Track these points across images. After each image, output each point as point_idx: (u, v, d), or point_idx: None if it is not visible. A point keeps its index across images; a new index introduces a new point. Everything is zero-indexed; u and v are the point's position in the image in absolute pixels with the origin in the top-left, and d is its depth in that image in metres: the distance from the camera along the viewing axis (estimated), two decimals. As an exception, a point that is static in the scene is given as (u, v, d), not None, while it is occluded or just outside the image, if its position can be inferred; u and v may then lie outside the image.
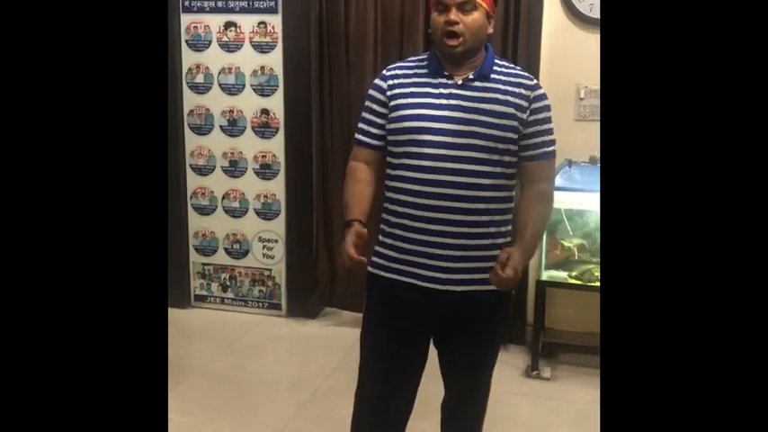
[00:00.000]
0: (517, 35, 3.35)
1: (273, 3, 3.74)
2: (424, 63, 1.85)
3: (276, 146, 3.88)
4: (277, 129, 3.85)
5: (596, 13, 3.30)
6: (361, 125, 1.92)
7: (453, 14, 1.73)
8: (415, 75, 1.84)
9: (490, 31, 1.81)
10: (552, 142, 1.85)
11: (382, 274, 1.87)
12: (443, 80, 1.80)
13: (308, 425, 2.84)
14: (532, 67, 3.36)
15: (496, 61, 1.84)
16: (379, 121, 1.87)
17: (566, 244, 3.38)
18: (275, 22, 3.76)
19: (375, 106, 1.88)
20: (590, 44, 3.32)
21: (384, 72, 1.91)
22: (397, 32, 3.54)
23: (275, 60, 3.79)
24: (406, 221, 1.81)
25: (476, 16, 1.75)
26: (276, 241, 3.98)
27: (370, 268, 1.89)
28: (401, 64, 1.91)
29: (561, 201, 3.30)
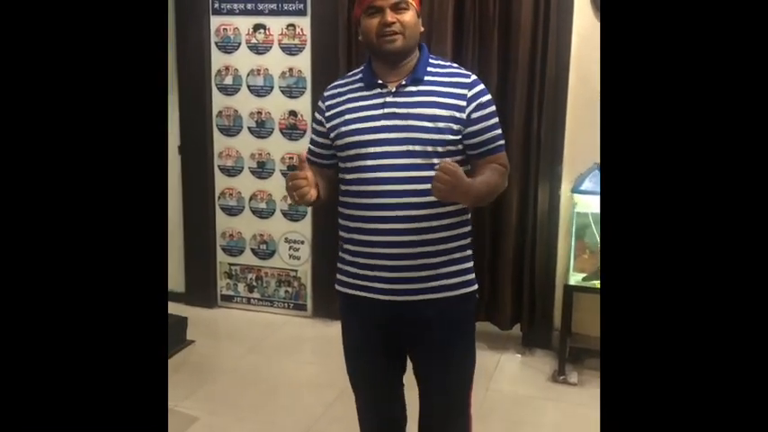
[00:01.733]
0: (547, 38, 3.32)
1: (302, 5, 3.76)
2: (359, 77, 1.86)
3: (303, 148, 3.85)
4: (304, 131, 3.87)
5: (627, 16, 3.26)
6: (310, 146, 1.97)
7: (389, 15, 1.73)
8: (350, 90, 1.85)
9: (422, 28, 1.82)
10: (500, 136, 1.82)
11: (345, 290, 1.89)
12: (378, 90, 1.80)
13: (333, 425, 2.85)
14: (562, 70, 3.34)
15: (431, 62, 1.82)
16: (324, 141, 1.90)
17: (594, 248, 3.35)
18: (304, 24, 3.78)
19: (318, 127, 1.91)
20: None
21: (323, 93, 1.93)
22: (426, 34, 3.53)
23: (303, 62, 3.81)
24: (356, 236, 1.83)
25: (410, 14, 1.76)
26: (302, 242, 4.00)
27: (336, 286, 1.94)
28: (338, 82, 1.93)
29: (589, 205, 3.27)
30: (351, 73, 1.93)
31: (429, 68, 1.80)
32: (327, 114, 1.86)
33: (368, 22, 1.76)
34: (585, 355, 3.44)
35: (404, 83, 1.78)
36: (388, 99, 1.78)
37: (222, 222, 4.13)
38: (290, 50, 3.83)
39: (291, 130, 3.90)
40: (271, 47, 3.85)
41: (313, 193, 1.74)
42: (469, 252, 1.86)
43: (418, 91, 1.77)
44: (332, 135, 1.85)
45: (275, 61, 3.86)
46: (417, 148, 1.74)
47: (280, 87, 3.88)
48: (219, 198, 4.11)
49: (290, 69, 3.84)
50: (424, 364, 1.90)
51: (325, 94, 1.91)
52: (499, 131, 1.82)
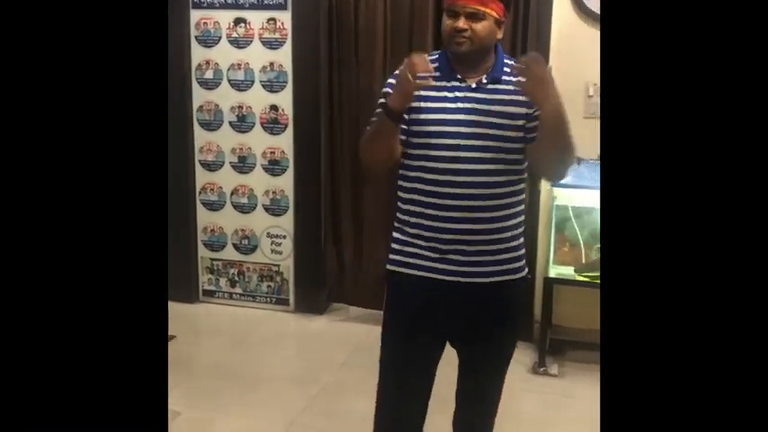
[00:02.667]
0: (526, 32, 3.35)
1: (283, -1, 3.75)
2: (435, 65, 1.85)
3: (285, 142, 3.89)
4: (286, 125, 3.86)
5: (606, 11, 3.29)
6: (373, 119, 1.92)
7: (462, 22, 1.77)
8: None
9: (499, 36, 1.84)
10: None
11: (403, 270, 1.90)
12: (456, 83, 1.83)
13: (316, 419, 2.86)
14: (541, 64, 3.36)
15: (506, 61, 1.87)
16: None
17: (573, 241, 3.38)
18: (284, 18, 3.77)
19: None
20: (599, 41, 3.31)
21: (396, 71, 1.90)
22: (407, 28, 3.54)
23: (284, 56, 3.80)
24: (422, 221, 1.85)
25: (484, 24, 1.78)
26: (284, 237, 3.99)
27: (389, 266, 1.94)
28: None
29: (569, 198, 3.31)
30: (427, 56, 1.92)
31: (506, 68, 1.85)
32: None
33: (446, 22, 1.82)
34: (566, 346, 3.48)
35: (484, 81, 1.83)
36: (469, 94, 1.82)
37: (203, 217, 4.11)
38: (270, 45, 3.82)
39: (273, 125, 3.89)
40: (251, 41, 3.84)
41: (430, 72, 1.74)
42: (523, 239, 1.94)
43: (497, 89, 1.82)
44: (407, 117, 1.84)
45: (256, 55, 3.84)
46: (493, 143, 1.80)
47: (261, 82, 3.87)
48: (200, 193, 4.09)
49: (271, 63, 3.83)
50: (476, 345, 1.95)
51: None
52: None
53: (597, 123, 3.36)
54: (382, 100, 1.88)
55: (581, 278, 3.29)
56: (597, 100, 3.38)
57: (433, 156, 1.82)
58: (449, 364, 1.99)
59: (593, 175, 3.21)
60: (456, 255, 1.84)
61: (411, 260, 1.89)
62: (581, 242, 3.37)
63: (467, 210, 1.81)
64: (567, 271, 3.35)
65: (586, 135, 3.32)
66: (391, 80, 1.89)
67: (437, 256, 1.85)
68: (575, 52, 3.39)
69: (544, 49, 3.37)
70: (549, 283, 3.31)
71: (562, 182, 3.18)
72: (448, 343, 1.97)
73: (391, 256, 1.94)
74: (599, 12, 3.30)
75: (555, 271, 3.36)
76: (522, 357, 3.41)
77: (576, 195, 3.26)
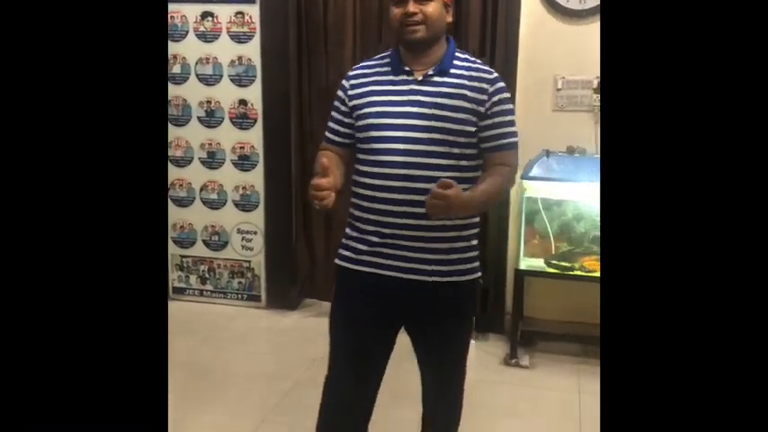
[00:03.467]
0: (495, 26, 3.36)
1: (251, -8, 3.71)
2: (386, 61, 1.90)
3: (254, 137, 3.86)
4: (255, 119, 3.83)
5: (574, 5, 3.32)
6: (329, 124, 1.98)
7: (412, 6, 1.78)
8: (377, 73, 1.90)
9: (449, 19, 1.86)
10: (513, 134, 1.88)
11: (350, 266, 1.91)
12: (404, 76, 1.85)
13: (288, 415, 2.85)
14: (510, 58, 3.38)
15: (457, 55, 1.88)
16: (345, 120, 1.93)
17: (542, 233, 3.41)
18: (253, 11, 3.73)
19: (340, 106, 1.94)
20: (567, 35, 3.35)
21: (348, 72, 1.97)
22: (376, 21, 3.53)
23: (253, 50, 3.77)
24: (370, 216, 1.86)
25: (434, 5, 1.80)
26: (255, 233, 3.96)
27: (338, 261, 1.95)
28: (364, 63, 1.97)
29: (538, 190, 3.33)
30: (377, 56, 1.96)
31: (455, 61, 1.85)
32: (351, 93, 1.90)
33: (393, 11, 1.82)
34: (537, 338, 3.51)
35: (430, 72, 1.83)
36: (414, 87, 1.83)
37: (173, 214, 4.06)
38: (238, 38, 3.78)
39: (242, 119, 3.86)
40: (219, 35, 3.80)
41: (332, 199, 1.75)
42: (476, 241, 1.93)
43: (444, 82, 1.82)
44: (354, 114, 1.89)
45: (224, 49, 3.80)
46: (438, 136, 1.79)
47: (229, 76, 3.83)
48: (169, 189, 4.04)
49: (240, 58, 3.79)
50: (428, 345, 1.95)
51: (350, 73, 1.95)
52: (511, 129, 1.87)
53: (565, 116, 3.40)
54: (334, 114, 1.94)
55: (551, 270, 3.32)
56: (565, 93, 3.41)
57: (380, 149, 1.83)
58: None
59: (561, 167, 3.23)
60: (396, 250, 1.84)
61: (354, 255, 1.90)
62: (551, 234, 3.40)
63: (408, 204, 1.80)
64: (538, 263, 3.38)
65: (555, 128, 3.37)
66: (344, 82, 1.93)
67: (379, 250, 1.85)
68: (543, 46, 3.41)
69: (513, 42, 3.39)
70: (520, 274, 3.33)
71: (532, 174, 3.22)
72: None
73: (339, 251, 1.95)
74: (567, 5, 3.33)
75: (525, 263, 3.39)
76: (493, 349, 3.44)
77: (546, 188, 3.29)
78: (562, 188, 3.26)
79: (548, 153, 3.30)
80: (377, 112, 1.84)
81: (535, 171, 3.22)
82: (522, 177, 3.21)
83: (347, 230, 1.94)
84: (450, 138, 1.80)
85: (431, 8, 1.79)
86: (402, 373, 2.04)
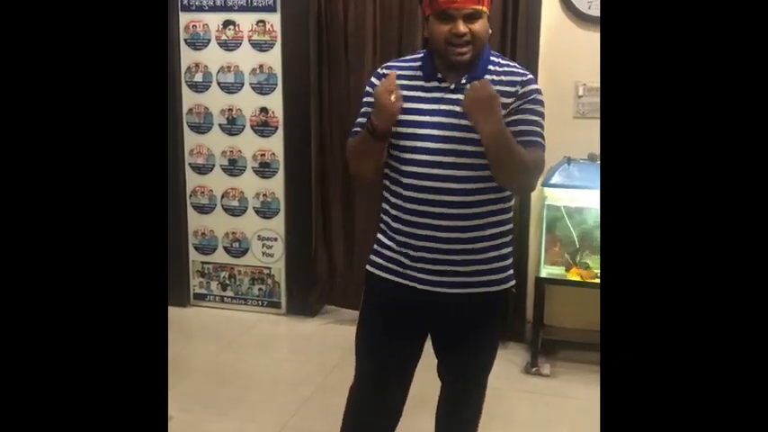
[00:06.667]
0: (516, 33, 3.35)
1: (272, 1, 3.74)
2: (418, 65, 1.84)
3: (275, 144, 3.88)
4: (276, 127, 3.86)
5: (595, 11, 3.30)
6: (359, 119, 1.90)
7: (462, 26, 1.70)
8: (408, 77, 1.83)
9: (490, 31, 1.81)
10: (537, 134, 1.78)
11: (379, 273, 1.89)
12: (436, 83, 1.80)
13: (308, 421, 2.85)
14: (531, 65, 3.36)
15: (492, 59, 1.83)
16: None
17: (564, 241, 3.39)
18: (274, 20, 3.76)
19: (372, 100, 1.86)
20: (588, 42, 3.32)
21: (379, 70, 1.91)
22: (396, 30, 3.54)
23: (274, 59, 3.79)
24: (400, 226, 1.83)
25: (482, 23, 1.73)
26: (275, 240, 3.98)
27: (368, 267, 1.93)
28: (395, 64, 1.91)
29: (560, 198, 3.31)
30: (408, 57, 1.90)
31: (489, 66, 1.80)
32: None
33: (438, 27, 1.73)
34: (558, 346, 3.48)
35: (463, 81, 1.77)
36: (446, 95, 1.78)
37: (194, 221, 4.09)
38: (260, 47, 3.81)
39: (263, 127, 3.88)
40: (241, 43, 3.83)
41: (399, 95, 1.72)
42: (510, 249, 1.88)
43: None
44: None
45: (245, 58, 3.83)
46: (470, 148, 1.74)
47: (250, 84, 3.85)
48: (191, 196, 4.07)
49: (261, 66, 3.82)
50: (453, 350, 1.93)
51: (381, 71, 1.88)
52: (536, 129, 1.78)
53: (587, 123, 3.38)
54: (365, 108, 1.86)
55: (572, 278, 3.30)
56: (587, 100, 3.39)
57: (409, 159, 1.78)
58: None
59: (583, 174, 3.21)
60: (425, 263, 1.81)
61: (386, 263, 1.88)
62: (574, 242, 3.38)
63: (437, 217, 1.77)
64: (559, 271, 3.36)
65: (576, 135, 3.34)
66: (374, 80, 1.87)
67: (408, 262, 1.83)
68: (564, 53, 3.40)
69: (533, 49, 3.38)
70: (541, 283, 3.31)
71: (553, 182, 3.20)
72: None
73: (371, 257, 1.93)
74: (588, 12, 3.32)
75: (546, 271, 3.36)
76: (514, 357, 3.42)
77: (567, 195, 3.27)
78: (583, 195, 3.24)
79: (569, 160, 3.28)
80: (408, 121, 1.78)
81: (556, 178, 3.20)
82: (543, 185, 3.20)
83: (379, 236, 1.92)
84: (480, 148, 1.73)
85: (478, 26, 1.71)
86: (422, 382, 2.03)
